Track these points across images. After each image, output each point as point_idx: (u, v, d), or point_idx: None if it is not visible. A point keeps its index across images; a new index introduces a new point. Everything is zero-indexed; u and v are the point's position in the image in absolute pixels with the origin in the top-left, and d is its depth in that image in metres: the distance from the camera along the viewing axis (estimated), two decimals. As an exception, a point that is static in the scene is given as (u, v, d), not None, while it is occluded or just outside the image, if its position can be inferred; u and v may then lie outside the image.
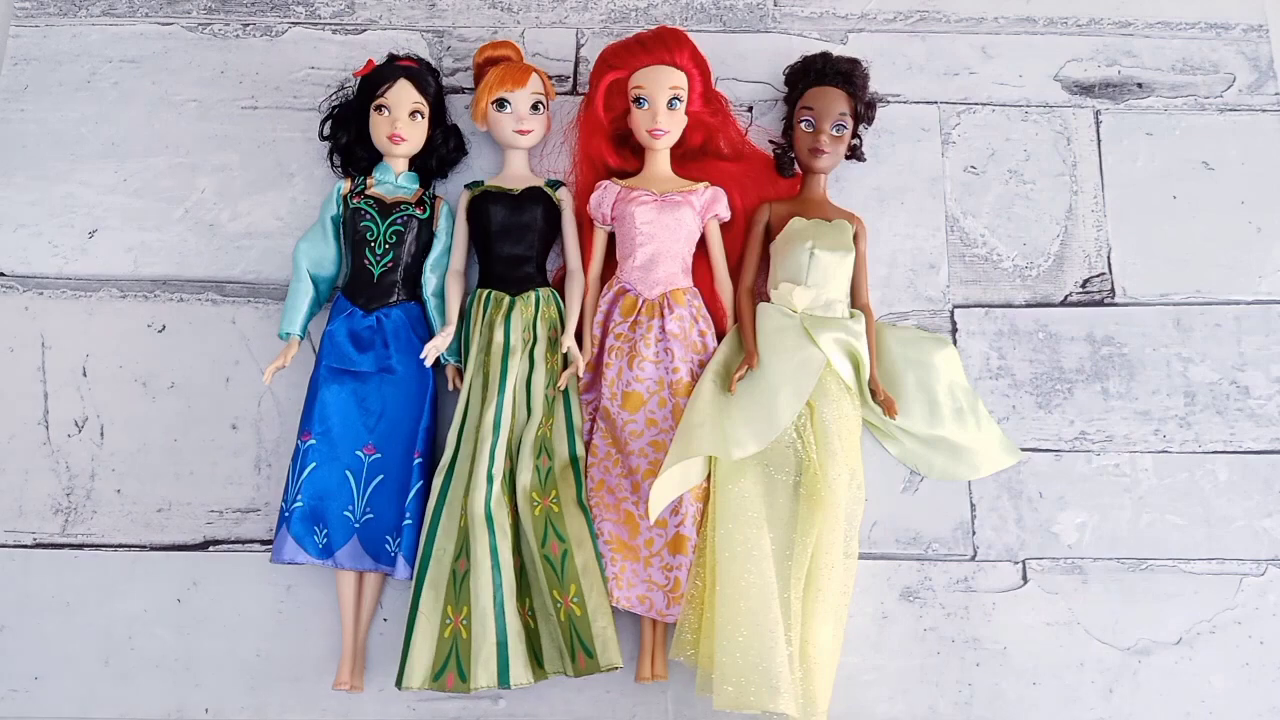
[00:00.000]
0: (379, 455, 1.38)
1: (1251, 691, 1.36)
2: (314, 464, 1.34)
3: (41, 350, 1.49)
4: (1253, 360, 1.49)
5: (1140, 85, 1.62)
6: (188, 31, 1.63)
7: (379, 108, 1.44)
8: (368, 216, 1.42)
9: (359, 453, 1.37)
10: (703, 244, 1.47)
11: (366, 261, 1.41)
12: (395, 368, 1.40)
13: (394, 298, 1.42)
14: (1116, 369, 1.48)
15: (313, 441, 1.35)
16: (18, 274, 1.52)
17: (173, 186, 1.54)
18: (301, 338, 1.40)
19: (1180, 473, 1.44)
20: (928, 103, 1.59)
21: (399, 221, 1.42)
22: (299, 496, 1.33)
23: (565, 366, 1.41)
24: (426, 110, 1.47)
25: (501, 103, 1.47)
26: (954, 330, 1.50)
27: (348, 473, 1.36)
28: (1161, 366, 1.49)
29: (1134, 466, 1.45)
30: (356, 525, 1.35)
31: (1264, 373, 1.49)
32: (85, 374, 1.47)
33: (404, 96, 1.45)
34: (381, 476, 1.37)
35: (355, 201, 1.43)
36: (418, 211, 1.44)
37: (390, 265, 1.42)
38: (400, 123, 1.44)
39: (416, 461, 1.37)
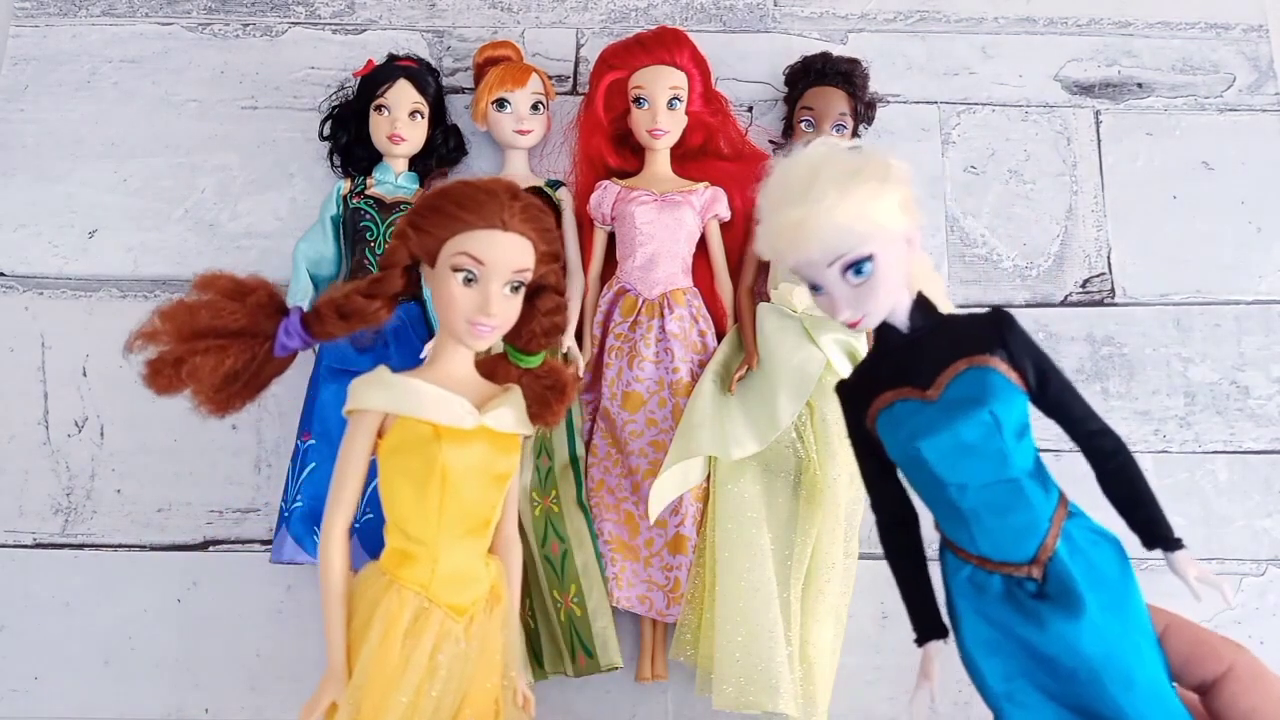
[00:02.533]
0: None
1: (1251, 691, 1.36)
2: (314, 464, 1.34)
3: (41, 350, 1.49)
4: (1253, 360, 1.49)
5: (1140, 85, 1.63)
6: (188, 31, 1.63)
7: (379, 108, 1.44)
8: (367, 217, 1.42)
9: None
10: (703, 244, 1.47)
11: (366, 261, 1.41)
12: (395, 368, 1.39)
13: None
14: (1116, 369, 1.48)
15: (312, 441, 1.34)
16: (18, 274, 1.52)
17: (173, 186, 1.54)
18: None
19: (1180, 473, 1.44)
20: (928, 103, 1.59)
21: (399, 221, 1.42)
22: (299, 496, 1.33)
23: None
24: (426, 110, 1.47)
25: (501, 103, 1.47)
26: (954, 330, 1.49)
27: None
28: (1161, 366, 1.49)
29: (1134, 466, 1.45)
30: (356, 525, 1.34)
31: (1264, 373, 1.49)
32: (85, 374, 1.47)
33: (403, 96, 1.45)
34: None
35: (355, 201, 1.43)
36: None
37: None
38: (400, 123, 1.44)
39: None
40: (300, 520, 1.32)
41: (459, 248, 0.94)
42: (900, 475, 0.90)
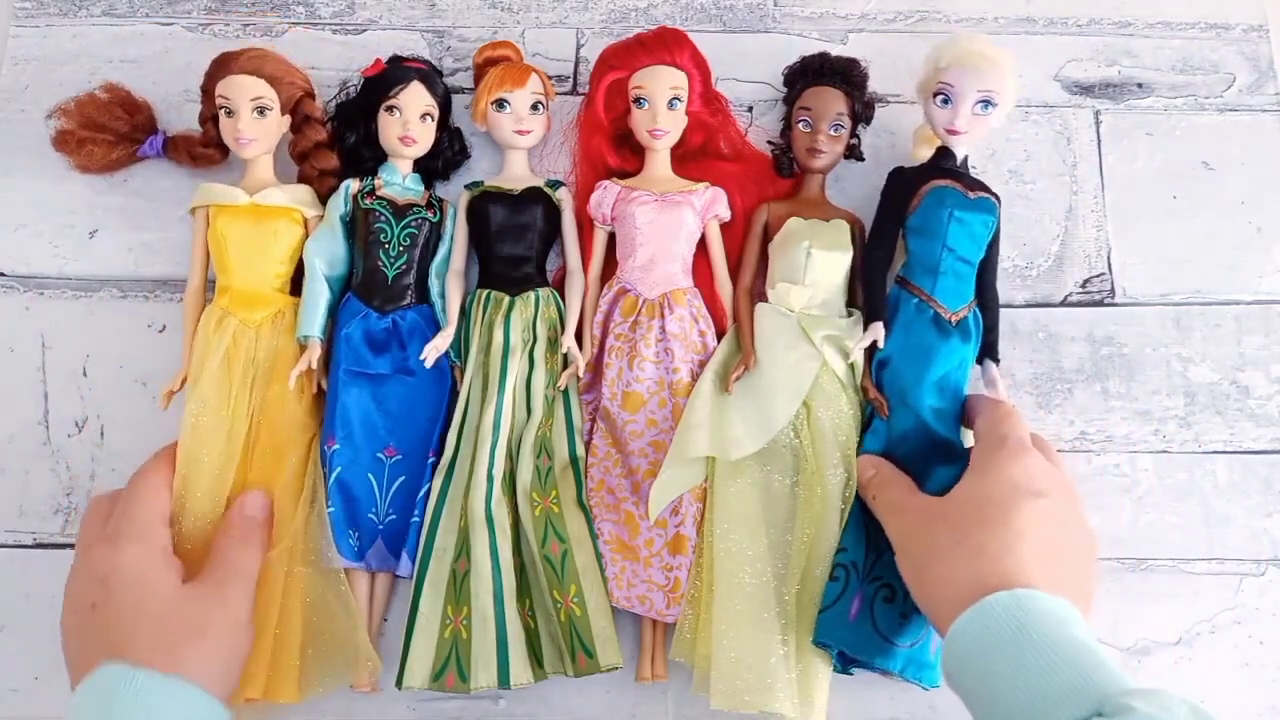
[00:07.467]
0: (400, 457, 1.37)
1: (1251, 691, 1.36)
2: (339, 468, 1.33)
3: (41, 350, 1.49)
4: (1253, 360, 1.49)
5: (1140, 85, 1.62)
6: (188, 31, 1.63)
7: (390, 109, 1.43)
8: (381, 218, 1.41)
9: (380, 455, 1.36)
10: (703, 244, 1.47)
11: (380, 263, 1.40)
12: (413, 369, 1.39)
13: (407, 300, 1.41)
14: (1116, 369, 1.48)
15: (337, 446, 1.34)
16: (18, 274, 1.52)
17: (173, 187, 1.54)
18: (321, 339, 1.37)
19: (1180, 473, 1.44)
20: (928, 103, 1.59)
21: (413, 224, 1.41)
22: (330, 501, 1.32)
23: (565, 366, 1.41)
24: (437, 113, 1.46)
25: (501, 103, 1.46)
26: (954, 330, 1.49)
27: (370, 475, 1.35)
28: (1161, 366, 1.49)
29: (1134, 466, 1.45)
30: (380, 527, 1.35)
31: (1264, 373, 1.49)
32: (85, 374, 1.48)
33: (416, 99, 1.44)
34: (403, 478, 1.36)
35: (367, 202, 1.42)
36: (429, 214, 1.44)
37: (405, 267, 1.41)
38: (412, 124, 1.43)
39: (430, 461, 1.37)
40: (336, 525, 1.31)
41: (217, 94, 1.38)
42: (902, 235, 1.36)
